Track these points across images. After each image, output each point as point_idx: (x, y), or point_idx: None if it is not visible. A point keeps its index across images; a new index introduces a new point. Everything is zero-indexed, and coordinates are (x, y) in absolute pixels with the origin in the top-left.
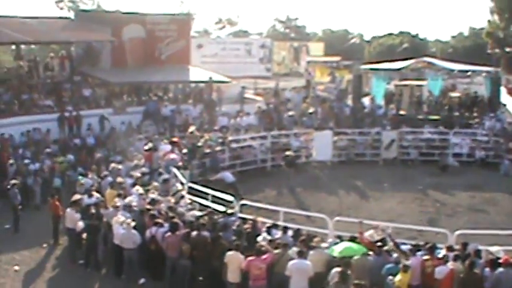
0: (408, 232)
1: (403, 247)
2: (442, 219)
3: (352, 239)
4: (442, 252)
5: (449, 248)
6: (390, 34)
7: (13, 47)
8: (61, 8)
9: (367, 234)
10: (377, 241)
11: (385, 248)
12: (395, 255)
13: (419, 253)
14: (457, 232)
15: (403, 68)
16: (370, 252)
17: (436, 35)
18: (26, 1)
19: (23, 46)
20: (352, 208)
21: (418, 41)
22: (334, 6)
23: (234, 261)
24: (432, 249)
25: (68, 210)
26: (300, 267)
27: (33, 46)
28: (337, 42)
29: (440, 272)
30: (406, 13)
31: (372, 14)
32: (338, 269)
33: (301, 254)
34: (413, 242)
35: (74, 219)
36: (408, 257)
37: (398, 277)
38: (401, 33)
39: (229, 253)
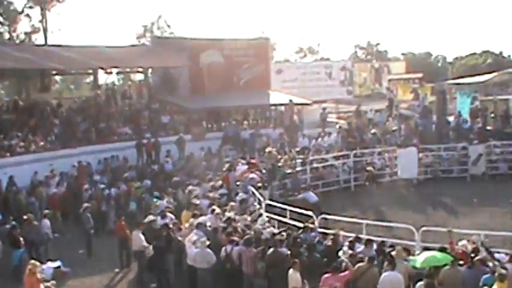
0: (502, 243)
1: (497, 255)
2: None
3: (442, 250)
4: None
5: None
6: (473, 54)
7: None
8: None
9: (460, 244)
10: (471, 252)
11: (478, 257)
12: (490, 264)
13: None
14: None
15: (487, 80)
16: (461, 262)
17: None
18: (103, 31)
19: (100, 76)
20: (440, 224)
21: (501, 59)
22: (415, 29)
23: (291, 280)
24: None
25: (134, 232)
26: (393, 280)
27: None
28: (419, 64)
29: None
30: (489, 31)
31: (454, 34)
32: (423, 282)
33: (393, 266)
34: (509, 251)
35: (138, 242)
36: (504, 266)
37: (494, 287)
38: (484, 52)
39: (290, 272)
